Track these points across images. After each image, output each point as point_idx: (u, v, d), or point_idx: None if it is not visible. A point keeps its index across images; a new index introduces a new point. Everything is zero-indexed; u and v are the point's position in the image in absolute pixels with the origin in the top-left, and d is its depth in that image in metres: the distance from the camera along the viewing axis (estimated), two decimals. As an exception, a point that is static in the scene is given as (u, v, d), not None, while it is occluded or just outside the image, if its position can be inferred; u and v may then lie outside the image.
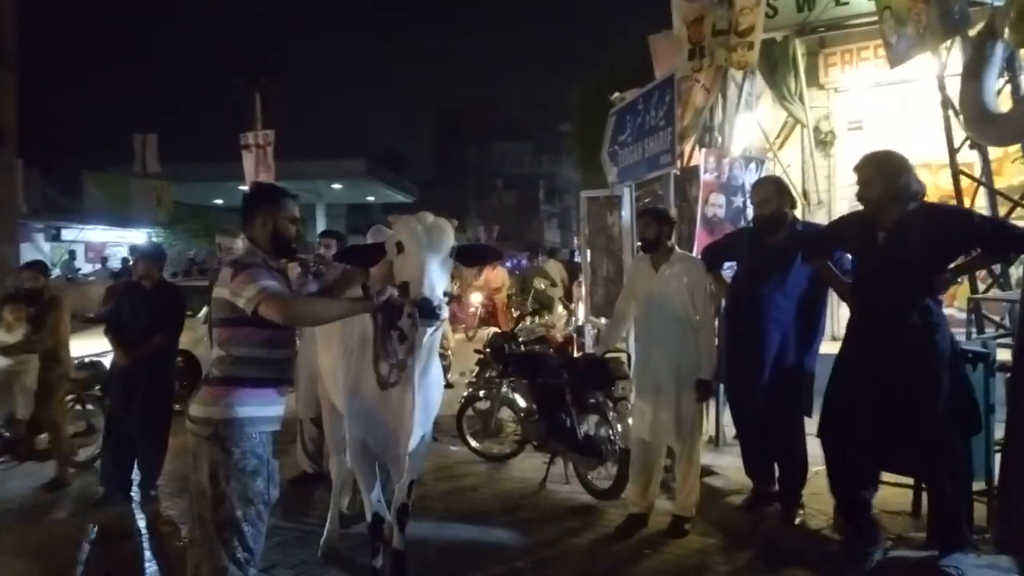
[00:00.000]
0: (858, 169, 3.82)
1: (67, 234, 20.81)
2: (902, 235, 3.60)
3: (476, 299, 14.84)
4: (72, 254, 18.84)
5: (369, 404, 3.52)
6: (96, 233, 21.72)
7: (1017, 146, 5.03)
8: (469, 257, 3.61)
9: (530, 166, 46.32)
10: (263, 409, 2.99)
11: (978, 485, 4.33)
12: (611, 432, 5.24)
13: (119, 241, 22.02)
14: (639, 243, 5.08)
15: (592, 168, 10.40)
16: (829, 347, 4.57)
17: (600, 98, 10.13)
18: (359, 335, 3.54)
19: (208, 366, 3.13)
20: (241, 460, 2.88)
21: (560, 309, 12.73)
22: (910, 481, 4.36)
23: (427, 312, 3.03)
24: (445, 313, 3.19)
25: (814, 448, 4.66)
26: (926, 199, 3.80)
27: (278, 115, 15.31)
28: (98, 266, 18.89)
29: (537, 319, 10.01)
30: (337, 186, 30.41)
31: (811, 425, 4.63)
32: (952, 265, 3.66)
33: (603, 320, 6.72)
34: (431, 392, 3.60)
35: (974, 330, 5.04)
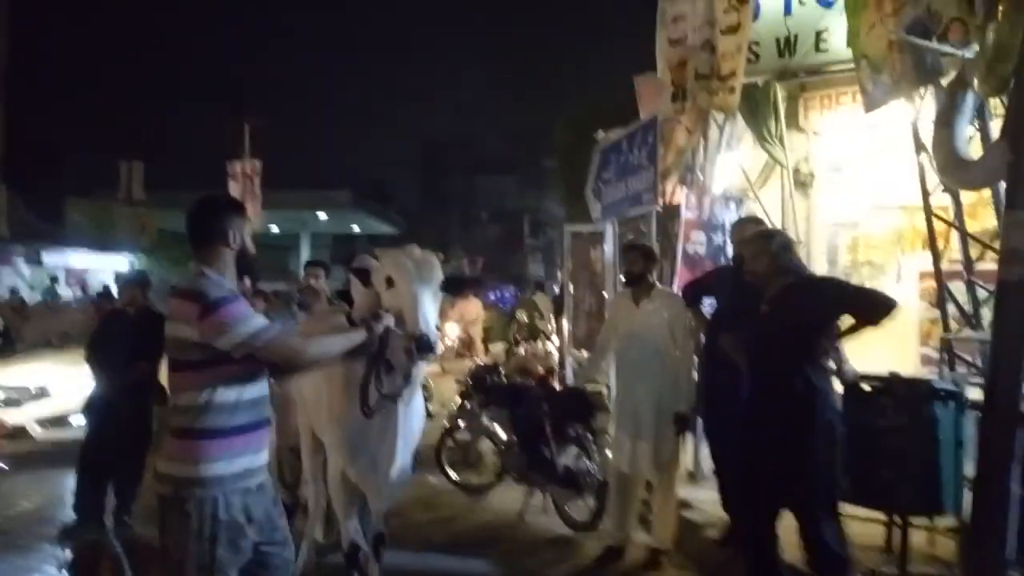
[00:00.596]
0: (745, 245, 3.98)
1: (48, 258, 20.66)
2: (782, 307, 3.72)
3: (452, 331, 14.80)
4: (55, 280, 18.69)
5: (352, 433, 3.49)
6: (78, 258, 21.58)
7: (989, 191, 5.19)
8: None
9: (515, 200, 46.60)
10: (233, 464, 2.58)
11: (949, 520, 4.42)
12: (590, 464, 5.28)
13: (100, 267, 21.87)
14: (623, 277, 5.17)
15: (576, 203, 10.54)
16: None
17: (584, 134, 10.30)
18: (341, 364, 3.47)
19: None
20: (201, 525, 2.52)
21: (548, 343, 12.79)
22: (882, 516, 4.43)
23: (425, 346, 3.05)
24: (440, 347, 3.24)
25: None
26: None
27: (265, 146, 15.40)
28: (79, 292, 18.71)
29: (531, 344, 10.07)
30: (322, 216, 30.48)
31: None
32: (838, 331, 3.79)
33: (585, 353, 6.79)
34: (413, 421, 3.61)
35: (946, 368, 5.15)
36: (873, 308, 3.72)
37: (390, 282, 3.25)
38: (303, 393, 4.23)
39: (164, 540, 2.60)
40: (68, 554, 4.99)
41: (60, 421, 7.96)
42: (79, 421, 7.02)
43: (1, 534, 5.36)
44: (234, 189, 13.24)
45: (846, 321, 3.79)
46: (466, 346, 14.38)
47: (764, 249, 3.83)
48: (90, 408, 5.57)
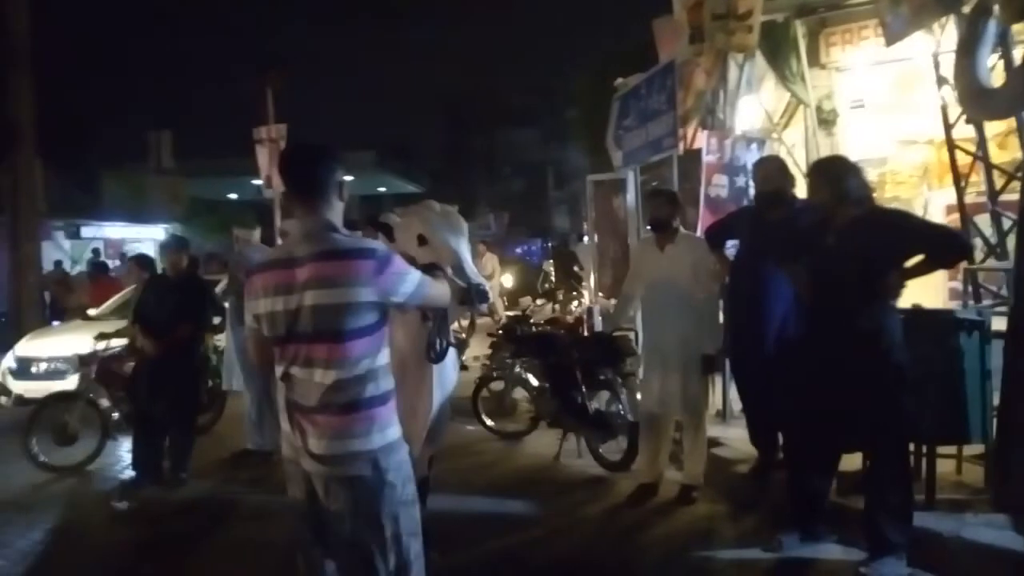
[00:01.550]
0: (809, 174, 3.92)
1: (86, 231, 21.15)
2: (850, 239, 3.63)
3: None
4: (97, 252, 19.17)
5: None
6: (115, 230, 22.06)
7: (1015, 120, 5.15)
8: None
9: (538, 153, 46.27)
10: (399, 426, 2.49)
11: (977, 448, 4.51)
12: (621, 407, 5.43)
13: (137, 237, 22.35)
14: (649, 224, 5.24)
15: (599, 153, 10.55)
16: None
17: (605, 83, 10.24)
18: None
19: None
20: (404, 491, 2.38)
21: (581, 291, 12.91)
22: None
23: (481, 296, 3.05)
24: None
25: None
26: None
27: (289, 109, 15.46)
28: (117, 262, 19.17)
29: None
30: (348, 178, 30.44)
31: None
32: (905, 266, 3.63)
33: (611, 300, 6.90)
34: (448, 371, 3.65)
35: (971, 301, 5.18)
36: (947, 248, 3.66)
37: (422, 239, 3.19)
38: None
39: (365, 521, 2.31)
40: (128, 508, 5.28)
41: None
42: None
43: (71, 488, 5.70)
44: (261, 154, 13.34)
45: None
46: (483, 302, 14.29)
47: (824, 179, 3.75)
48: (140, 370, 5.84)
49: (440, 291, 2.62)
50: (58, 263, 16.98)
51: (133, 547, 4.68)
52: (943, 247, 3.63)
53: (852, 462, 4.39)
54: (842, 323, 3.63)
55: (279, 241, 6.90)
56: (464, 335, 8.79)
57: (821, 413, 3.73)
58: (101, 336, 6.42)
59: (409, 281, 2.39)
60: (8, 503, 5.44)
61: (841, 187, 3.67)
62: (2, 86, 14.18)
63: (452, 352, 3.60)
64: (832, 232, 3.71)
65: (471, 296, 3.01)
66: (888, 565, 3.55)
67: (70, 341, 8.13)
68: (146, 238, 22.17)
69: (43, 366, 8.34)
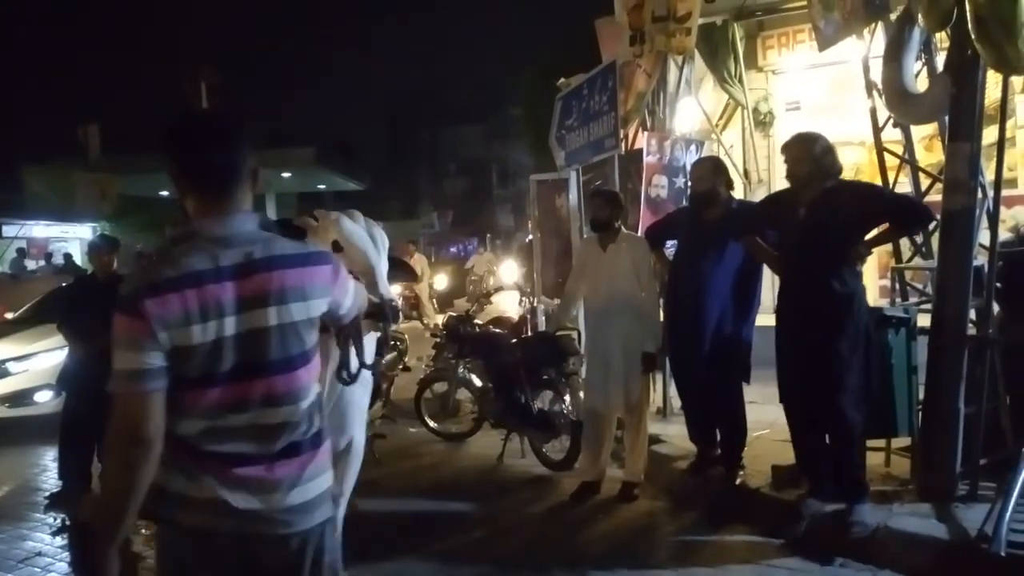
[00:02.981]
0: (786, 148, 4.09)
1: (8, 230, 20.29)
2: (820, 210, 3.89)
3: (395, 290, 14.63)
4: (21, 252, 18.40)
5: None
6: (39, 229, 21.21)
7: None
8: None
9: (482, 150, 46.27)
10: None
11: (904, 441, 4.67)
12: (564, 406, 5.46)
13: (63, 236, 21.54)
14: (589, 223, 5.28)
15: (543, 152, 10.57)
16: (767, 319, 4.84)
17: (549, 81, 10.30)
18: None
19: None
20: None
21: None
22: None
23: (392, 314, 2.85)
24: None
25: (753, 414, 4.97)
26: (855, 177, 4.11)
27: (223, 105, 15.10)
28: (42, 262, 18.45)
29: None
30: (286, 175, 30.05)
31: (749, 392, 4.93)
32: (867, 237, 3.97)
33: (555, 300, 6.93)
34: (355, 394, 3.22)
35: (899, 298, 5.35)
36: (912, 216, 3.95)
37: (337, 247, 2.96)
38: None
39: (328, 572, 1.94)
40: (59, 522, 5.08)
41: (21, 398, 7.44)
42: (43, 397, 7.05)
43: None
44: (196, 151, 12.98)
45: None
46: (412, 306, 13.80)
47: (807, 153, 3.94)
48: (66, 376, 5.62)
49: (365, 303, 2.30)
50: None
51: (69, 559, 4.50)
52: (908, 216, 3.93)
53: (788, 455, 4.51)
54: (814, 288, 3.87)
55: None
56: (406, 337, 8.70)
57: (802, 376, 3.97)
58: None
59: (351, 291, 2.06)
60: None
61: (820, 162, 3.90)
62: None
63: (366, 374, 2.83)
64: (803, 204, 3.95)
65: (385, 313, 2.82)
66: (867, 511, 3.92)
67: None
68: (72, 237, 21.38)
69: None
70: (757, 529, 4.26)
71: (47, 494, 5.59)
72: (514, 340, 6.30)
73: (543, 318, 7.75)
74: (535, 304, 7.83)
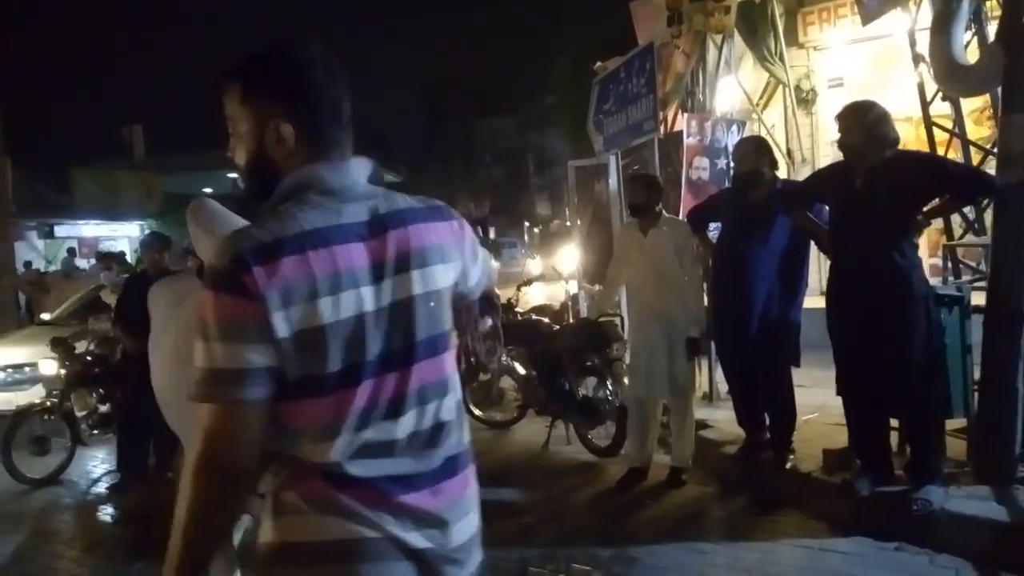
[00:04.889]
0: (840, 118, 4.02)
1: (60, 231, 20.89)
2: (877, 180, 3.80)
3: None
4: (72, 251, 18.95)
5: None
6: (89, 228, 21.79)
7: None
8: None
9: (518, 140, 46.23)
10: None
11: (959, 423, 4.56)
12: (608, 392, 5.45)
13: (112, 235, 22.10)
14: (628, 209, 5.25)
15: (580, 138, 10.51)
16: (815, 301, 4.77)
17: (584, 67, 10.23)
18: None
19: None
20: None
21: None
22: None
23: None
24: None
25: (802, 397, 4.91)
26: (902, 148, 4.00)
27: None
28: (92, 261, 18.96)
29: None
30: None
31: (798, 375, 4.86)
32: (925, 209, 3.87)
33: (596, 286, 6.91)
34: None
35: (951, 277, 5.23)
36: (978, 185, 3.87)
37: None
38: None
39: None
40: (118, 511, 5.24)
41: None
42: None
43: (54, 490, 5.64)
44: (237, 148, 13.21)
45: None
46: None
47: (859, 122, 3.86)
48: (124, 371, 5.77)
49: (495, 277, 1.88)
50: (28, 264, 16.75)
51: (126, 548, 4.63)
52: (973, 185, 3.86)
53: (839, 439, 4.45)
54: (872, 261, 3.79)
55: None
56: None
57: (865, 355, 3.90)
58: (57, 341, 6.32)
59: (480, 258, 1.64)
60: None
61: (875, 131, 3.81)
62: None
63: None
64: (859, 175, 3.86)
65: (493, 302, 2.55)
66: (934, 492, 3.79)
67: (24, 349, 7.90)
68: (121, 235, 21.92)
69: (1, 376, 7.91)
70: (808, 513, 4.21)
71: (107, 485, 5.77)
72: (556, 327, 6.30)
73: (585, 304, 7.73)
74: (575, 290, 7.81)
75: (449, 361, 1.45)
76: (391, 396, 1.34)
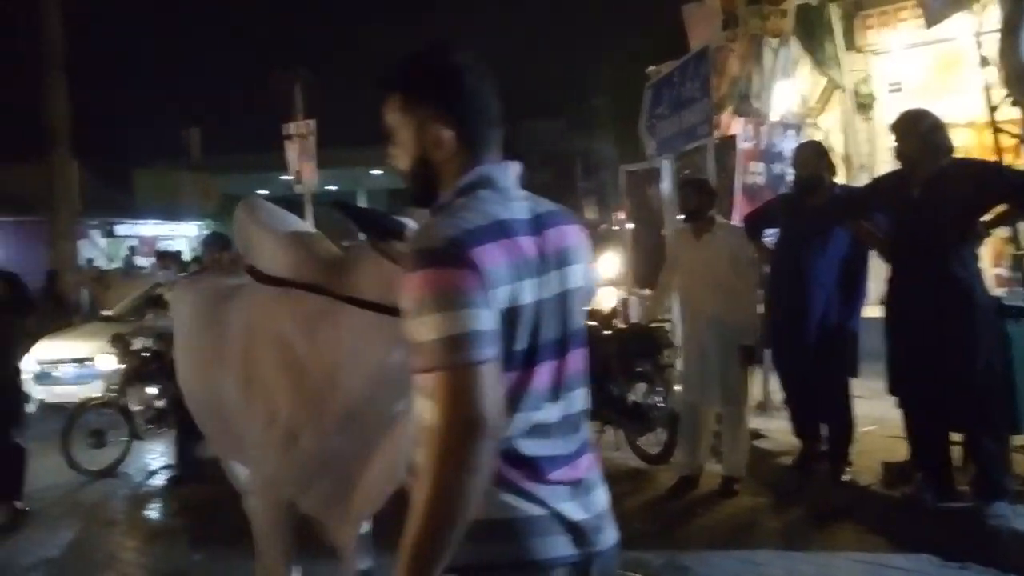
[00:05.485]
0: (894, 127, 3.96)
1: (121, 230, 21.55)
2: (934, 190, 3.73)
3: None
4: (132, 250, 19.56)
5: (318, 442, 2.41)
6: (148, 227, 22.44)
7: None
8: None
9: (565, 143, 46.14)
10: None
11: (1021, 439, 4.41)
12: (659, 399, 5.40)
13: (171, 234, 22.72)
14: (680, 214, 5.20)
15: (629, 141, 10.45)
16: (873, 310, 4.67)
17: (633, 70, 10.17)
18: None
19: None
20: None
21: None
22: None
23: None
24: None
25: (860, 408, 4.80)
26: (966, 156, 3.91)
27: (318, 104, 15.56)
28: (151, 259, 19.53)
29: None
30: (377, 172, 30.77)
31: (856, 386, 4.76)
32: (986, 217, 3.78)
33: (646, 291, 6.87)
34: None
35: (1019, 287, 5.07)
36: None
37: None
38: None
39: None
40: (177, 503, 5.38)
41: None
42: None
43: (112, 484, 5.81)
44: (290, 149, 13.43)
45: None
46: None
47: (914, 130, 3.82)
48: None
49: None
50: (90, 261, 17.29)
51: (185, 539, 4.75)
52: None
53: (898, 452, 4.35)
54: (931, 271, 3.73)
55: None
56: None
57: (925, 367, 3.81)
58: (116, 338, 6.50)
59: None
60: (56, 505, 5.48)
61: (929, 140, 3.76)
62: (38, 88, 14.46)
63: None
64: (917, 184, 3.80)
65: None
66: (1002, 509, 3.71)
67: (88, 343, 8.15)
68: (179, 235, 22.50)
69: (64, 370, 8.23)
70: (866, 527, 4.12)
71: (167, 478, 5.93)
72: (606, 332, 6.26)
73: (634, 309, 7.68)
74: (624, 295, 7.77)
75: (585, 351, 1.54)
76: (554, 380, 1.44)
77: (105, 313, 9.64)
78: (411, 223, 2.22)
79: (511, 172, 1.52)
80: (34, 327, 10.14)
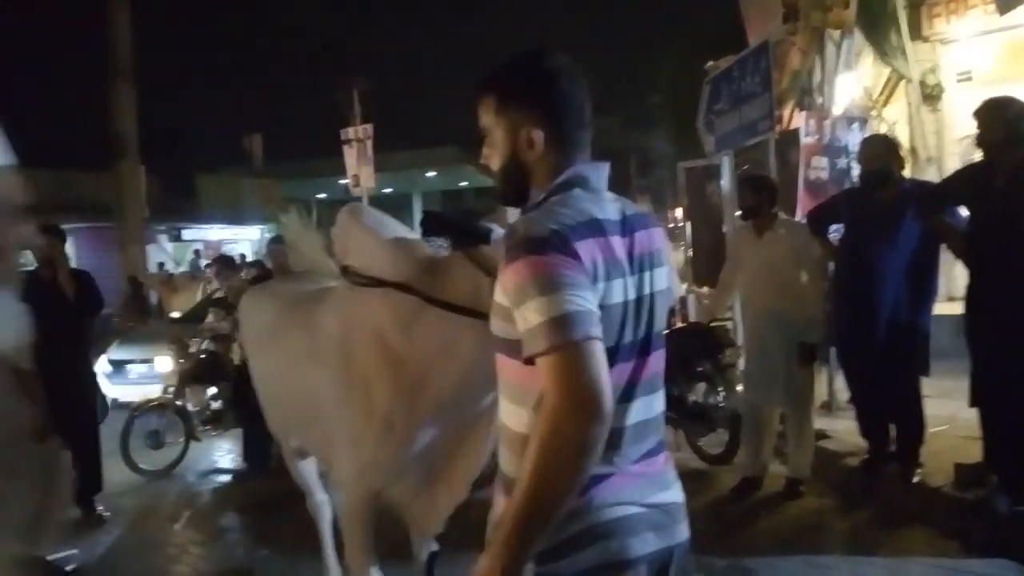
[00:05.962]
0: (978, 114, 3.83)
1: (187, 234, 22.22)
2: (1021, 179, 3.59)
3: None
4: (198, 253, 20.16)
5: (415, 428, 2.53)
6: (213, 232, 23.09)
7: None
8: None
9: (619, 140, 45.78)
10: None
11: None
12: (720, 399, 5.33)
13: (234, 238, 23.33)
14: (739, 212, 5.12)
15: (686, 138, 10.33)
16: (944, 307, 4.52)
17: (690, 66, 10.04)
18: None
19: None
20: None
21: None
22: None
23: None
24: None
25: (931, 408, 4.66)
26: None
27: (374, 109, 15.81)
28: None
29: None
30: (431, 174, 31.05)
31: (926, 385, 4.62)
32: None
33: (705, 289, 6.77)
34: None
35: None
36: None
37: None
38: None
39: None
40: (243, 500, 5.52)
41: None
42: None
43: (181, 477, 6.00)
44: (349, 154, 13.70)
45: None
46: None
47: (1000, 117, 3.71)
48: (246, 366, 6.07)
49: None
50: (160, 265, 17.86)
51: (251, 536, 4.87)
52: None
53: (971, 453, 4.20)
54: (1018, 266, 3.60)
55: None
56: None
57: (1005, 364, 3.68)
58: (175, 339, 6.74)
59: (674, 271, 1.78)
60: (120, 503, 5.54)
61: (1016, 127, 3.64)
62: (107, 98, 15.01)
63: None
64: (1001, 174, 3.68)
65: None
66: None
67: (154, 345, 8.36)
68: (243, 239, 23.08)
69: (135, 369, 8.52)
70: (938, 530, 3.99)
71: (232, 475, 6.09)
72: (664, 331, 6.21)
73: (693, 308, 7.59)
74: (683, 294, 7.67)
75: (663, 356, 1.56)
76: (640, 377, 1.48)
77: (173, 315, 9.94)
78: (497, 228, 2.33)
79: (603, 173, 1.55)
80: (124, 327, 10.61)
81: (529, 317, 1.31)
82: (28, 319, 2.10)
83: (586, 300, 1.31)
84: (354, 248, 2.64)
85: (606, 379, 1.29)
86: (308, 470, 3.68)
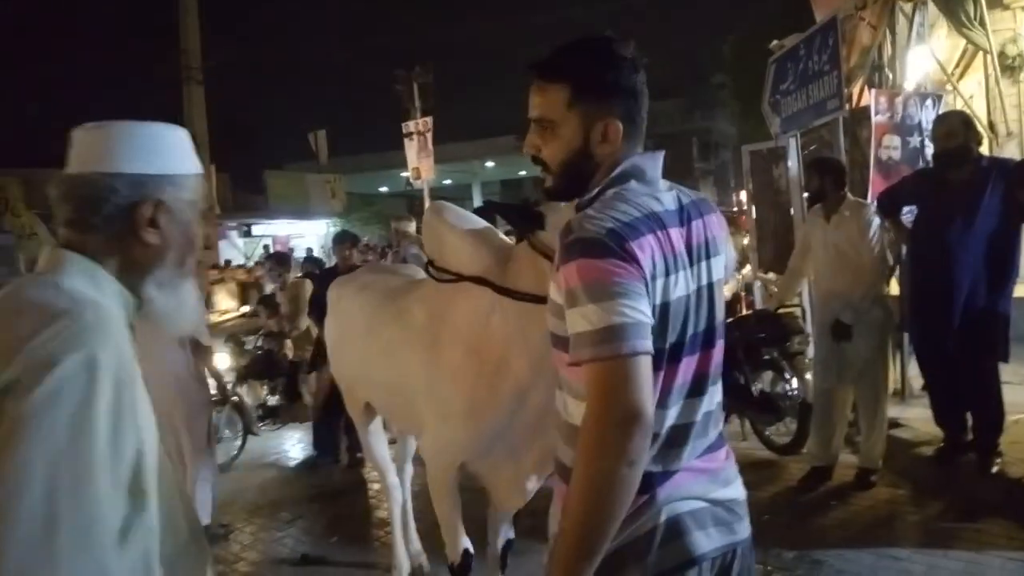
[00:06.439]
0: None
1: (256, 230, 22.84)
2: None
3: None
4: (267, 248, 20.73)
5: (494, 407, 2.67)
6: (281, 227, 23.68)
7: None
8: None
9: (681, 123, 45.06)
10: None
11: None
12: (787, 387, 5.21)
13: (301, 233, 23.88)
14: (806, 195, 4.99)
15: (751, 120, 10.10)
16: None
17: (755, 46, 9.79)
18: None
19: None
20: None
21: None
22: None
23: None
24: None
25: (1010, 395, 4.48)
26: None
27: (434, 102, 15.96)
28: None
29: None
30: (490, 164, 31.18)
31: (1005, 371, 4.43)
32: None
33: (771, 275, 6.63)
34: None
35: None
36: None
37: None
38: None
39: None
40: (314, 488, 5.68)
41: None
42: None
43: (258, 467, 6.19)
44: (410, 148, 13.87)
45: None
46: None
47: None
48: (315, 359, 6.23)
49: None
50: (228, 261, 18.40)
51: (322, 523, 4.99)
52: None
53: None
54: None
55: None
56: None
57: None
58: (231, 336, 6.99)
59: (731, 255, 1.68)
60: None
61: None
62: (179, 98, 15.54)
63: None
64: None
65: None
66: None
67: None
68: (310, 233, 23.60)
69: None
70: (1018, 523, 3.83)
71: (300, 461, 6.26)
72: (730, 319, 6.10)
73: (759, 295, 7.43)
74: (749, 280, 7.52)
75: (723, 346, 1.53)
76: (700, 373, 1.44)
77: (243, 309, 10.28)
78: (552, 214, 2.31)
79: (659, 163, 1.50)
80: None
81: (578, 323, 1.28)
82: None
83: (637, 311, 1.27)
84: (441, 244, 2.81)
85: (648, 394, 1.26)
86: (382, 453, 3.96)
